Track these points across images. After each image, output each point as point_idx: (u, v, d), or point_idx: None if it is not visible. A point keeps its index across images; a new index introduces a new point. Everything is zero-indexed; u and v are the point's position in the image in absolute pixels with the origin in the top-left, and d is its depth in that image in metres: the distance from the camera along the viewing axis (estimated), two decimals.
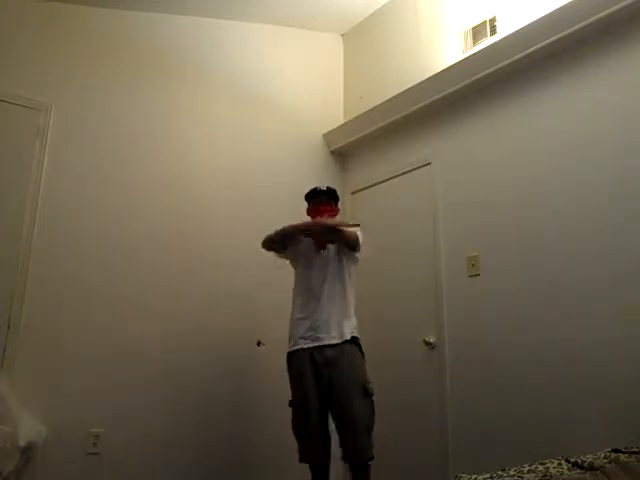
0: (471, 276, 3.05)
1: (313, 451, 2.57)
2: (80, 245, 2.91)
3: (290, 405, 2.65)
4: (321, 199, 2.88)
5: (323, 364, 2.57)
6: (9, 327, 2.63)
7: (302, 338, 2.64)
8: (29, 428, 2.42)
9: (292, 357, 2.67)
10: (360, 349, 2.65)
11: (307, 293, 2.71)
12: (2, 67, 2.83)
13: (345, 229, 2.67)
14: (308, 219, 2.87)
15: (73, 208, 2.93)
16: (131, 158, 3.16)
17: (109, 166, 3.07)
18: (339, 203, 3.01)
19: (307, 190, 2.95)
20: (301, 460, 2.59)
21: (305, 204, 2.94)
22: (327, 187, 2.93)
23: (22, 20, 2.94)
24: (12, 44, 2.87)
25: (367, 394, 2.54)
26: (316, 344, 2.60)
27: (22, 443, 2.36)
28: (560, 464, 1.65)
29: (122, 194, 3.09)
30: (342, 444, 2.52)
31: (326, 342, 2.59)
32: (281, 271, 3.21)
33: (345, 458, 2.52)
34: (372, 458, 2.48)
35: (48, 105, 2.92)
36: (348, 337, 2.61)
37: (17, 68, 2.88)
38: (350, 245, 2.69)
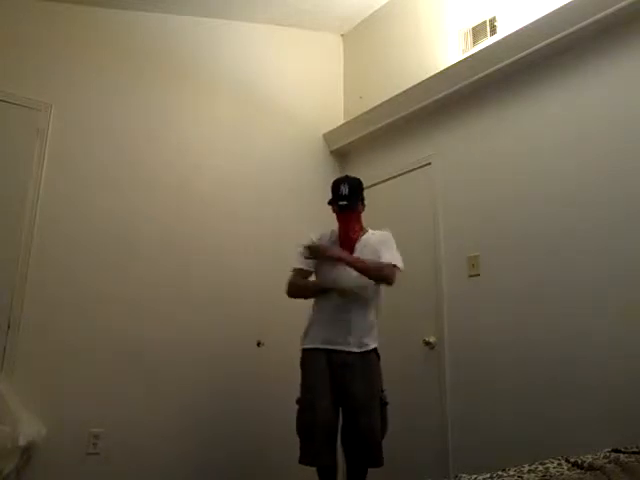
0: (471, 276, 3.05)
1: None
2: (80, 245, 2.91)
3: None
4: (345, 209, 2.62)
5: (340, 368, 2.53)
6: (9, 327, 2.64)
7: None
8: (29, 428, 2.42)
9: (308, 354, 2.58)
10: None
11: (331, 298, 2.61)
12: (2, 67, 2.82)
13: (374, 268, 2.52)
14: (332, 220, 2.73)
15: (73, 208, 2.93)
16: (131, 158, 3.16)
17: (109, 166, 3.07)
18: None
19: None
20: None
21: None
22: (349, 189, 2.61)
23: (22, 20, 2.93)
24: (12, 44, 2.87)
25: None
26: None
27: (22, 443, 2.37)
28: (560, 464, 1.64)
29: (122, 194, 3.09)
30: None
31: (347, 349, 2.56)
32: (280, 271, 3.21)
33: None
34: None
35: (48, 105, 2.92)
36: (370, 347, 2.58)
37: (17, 68, 2.87)
38: (380, 282, 2.58)
